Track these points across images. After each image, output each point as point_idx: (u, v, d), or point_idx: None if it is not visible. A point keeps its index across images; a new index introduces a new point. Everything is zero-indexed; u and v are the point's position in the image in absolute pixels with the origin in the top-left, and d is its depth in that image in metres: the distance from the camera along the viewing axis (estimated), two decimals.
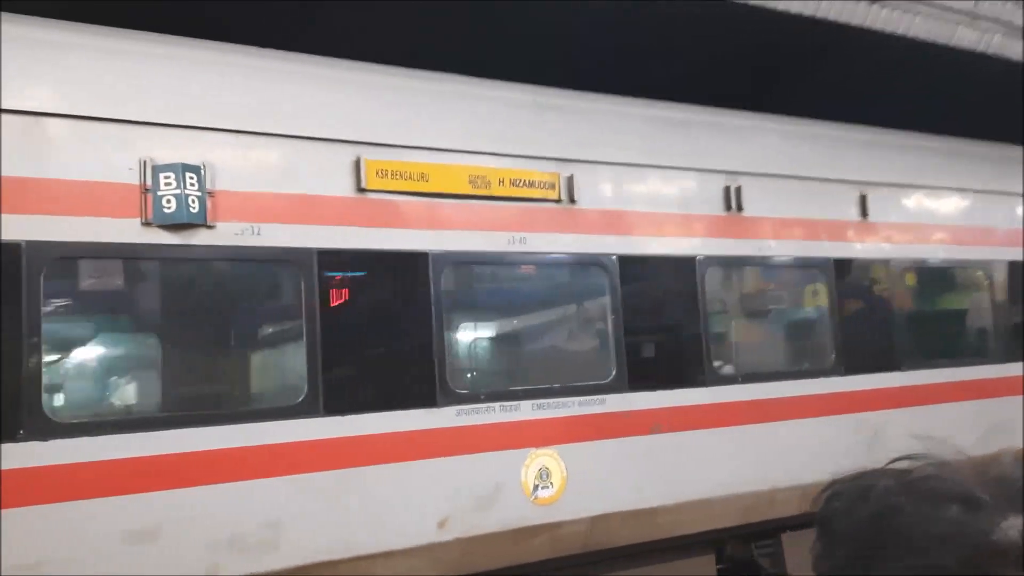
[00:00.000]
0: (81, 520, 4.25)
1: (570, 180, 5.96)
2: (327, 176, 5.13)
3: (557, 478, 5.64)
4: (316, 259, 5.00)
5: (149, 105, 4.68)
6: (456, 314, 5.57)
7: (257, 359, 5.07)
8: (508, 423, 5.50)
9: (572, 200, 5.97)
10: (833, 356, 7.02)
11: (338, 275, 5.08)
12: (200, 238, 4.71)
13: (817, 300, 7.18)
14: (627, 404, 5.97)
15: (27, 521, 4.12)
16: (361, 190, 5.21)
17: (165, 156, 4.66)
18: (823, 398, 6.89)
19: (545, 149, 5.91)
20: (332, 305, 5.03)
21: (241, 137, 4.91)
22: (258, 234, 4.87)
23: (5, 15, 4.37)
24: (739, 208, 6.71)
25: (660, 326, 6.26)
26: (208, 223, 4.73)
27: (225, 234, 4.79)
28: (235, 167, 4.86)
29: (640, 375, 6.05)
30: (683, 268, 6.38)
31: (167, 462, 4.47)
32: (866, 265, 7.35)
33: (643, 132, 6.43)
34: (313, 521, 4.82)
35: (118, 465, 4.35)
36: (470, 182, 5.57)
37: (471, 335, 5.82)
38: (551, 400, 5.67)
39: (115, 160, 4.54)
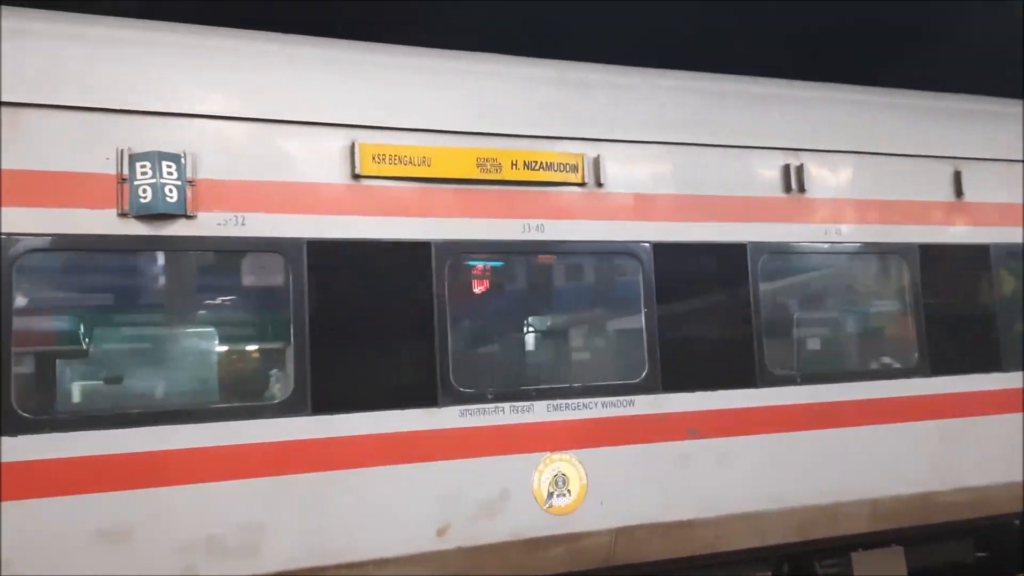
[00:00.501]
0: (52, 518, 4.17)
1: (596, 162, 5.47)
2: (319, 162, 4.87)
3: (575, 485, 5.20)
4: (306, 250, 4.76)
5: (127, 93, 4.55)
6: (462, 307, 5.19)
7: (241, 355, 4.89)
8: (519, 425, 5.10)
9: (599, 183, 5.48)
10: (916, 355, 6.22)
11: (330, 266, 4.82)
12: (179, 229, 4.55)
13: (898, 291, 6.38)
14: (660, 406, 5.45)
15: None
16: (356, 176, 4.93)
17: (144, 145, 4.52)
18: (903, 402, 6.12)
19: (567, 129, 5.45)
20: (322, 298, 4.77)
21: (226, 123, 4.72)
22: (243, 224, 4.67)
23: None
24: (801, 189, 6.03)
25: (702, 320, 5.68)
26: (188, 213, 4.56)
27: (207, 224, 4.61)
28: (220, 154, 4.67)
29: (676, 375, 5.51)
30: (731, 256, 5.77)
31: (142, 460, 4.33)
32: (960, 251, 6.47)
33: (684, 107, 5.84)
34: (296, 525, 4.59)
35: (90, 462, 4.25)
36: (478, 166, 5.19)
37: (479, 330, 5.44)
38: (570, 401, 5.22)
39: (91, 150, 4.43)
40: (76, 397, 4.45)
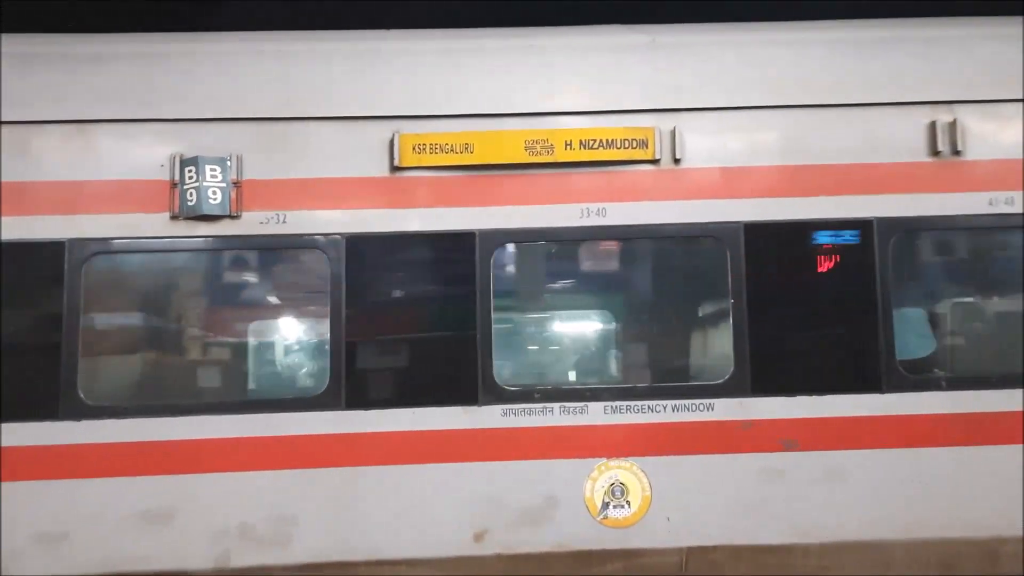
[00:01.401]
0: (106, 496, 4.59)
1: (672, 135, 4.87)
2: (357, 157, 4.83)
3: (636, 496, 4.70)
4: (344, 245, 4.76)
5: (179, 103, 4.83)
6: (511, 300, 4.91)
7: (280, 350, 5.01)
8: (569, 427, 4.71)
9: (675, 159, 4.87)
10: None
11: (368, 261, 4.78)
12: (224, 228, 4.77)
13: None
14: (748, 412, 4.75)
15: (61, 494, 4.57)
16: (396, 168, 4.82)
17: (196, 150, 4.78)
18: None
19: (633, 101, 4.90)
20: (360, 293, 4.75)
21: (268, 125, 4.84)
22: (284, 222, 4.78)
23: (44, 35, 4.87)
24: (954, 151, 4.90)
25: (806, 312, 4.84)
26: (232, 213, 4.76)
27: (250, 223, 4.78)
28: (263, 156, 4.81)
29: (770, 375, 4.77)
30: (848, 235, 4.85)
31: (185, 447, 4.62)
32: None
33: (785, 64, 4.98)
34: (328, 518, 4.63)
35: (140, 447, 4.62)
36: (527, 149, 4.83)
37: (529, 324, 5.09)
38: (632, 403, 4.72)
39: (147, 158, 4.78)
40: (129, 387, 4.84)
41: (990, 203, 4.89)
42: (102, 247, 4.74)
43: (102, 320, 4.82)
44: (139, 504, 4.60)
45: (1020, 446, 4.75)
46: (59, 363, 4.61)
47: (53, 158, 4.75)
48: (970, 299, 5.15)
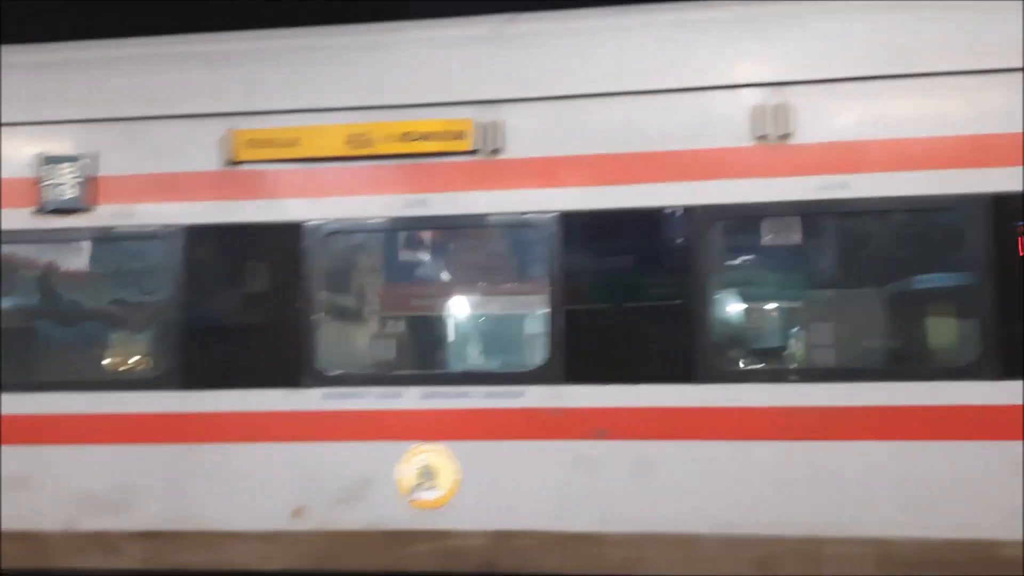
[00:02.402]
0: None
1: (492, 127, 4.91)
2: (197, 152, 5.13)
3: (446, 480, 4.82)
4: (184, 236, 5.08)
5: (43, 106, 5.27)
6: (333, 289, 5.09)
7: (126, 334, 5.37)
8: (384, 412, 4.87)
9: (494, 150, 4.92)
10: (980, 350, 4.50)
11: (205, 251, 5.09)
12: (79, 221, 5.19)
13: (952, 261, 4.68)
14: (558, 399, 4.77)
15: None
16: (231, 163, 5.10)
17: (58, 149, 5.21)
18: (954, 413, 4.52)
19: (450, 94, 4.97)
20: (196, 281, 5.07)
21: (122, 124, 5.21)
22: (131, 214, 5.15)
23: None
24: (783, 135, 4.72)
25: (623, 301, 4.80)
26: (86, 207, 5.17)
27: (101, 216, 5.18)
28: (115, 153, 5.19)
29: (584, 364, 4.77)
30: (669, 223, 4.79)
31: (41, 421, 5.09)
32: None
33: (611, 48, 4.93)
34: (162, 491, 4.98)
35: (6, 420, 5.11)
36: (348, 142, 5.00)
37: (349, 313, 5.25)
38: (445, 389, 4.84)
39: (17, 158, 5.24)
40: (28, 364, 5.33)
41: (822, 187, 4.69)
42: None
43: None
44: (3, 470, 5.10)
45: (843, 442, 4.57)
46: None
47: None
48: (797, 289, 4.95)
